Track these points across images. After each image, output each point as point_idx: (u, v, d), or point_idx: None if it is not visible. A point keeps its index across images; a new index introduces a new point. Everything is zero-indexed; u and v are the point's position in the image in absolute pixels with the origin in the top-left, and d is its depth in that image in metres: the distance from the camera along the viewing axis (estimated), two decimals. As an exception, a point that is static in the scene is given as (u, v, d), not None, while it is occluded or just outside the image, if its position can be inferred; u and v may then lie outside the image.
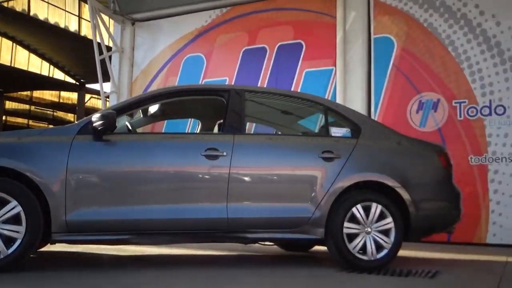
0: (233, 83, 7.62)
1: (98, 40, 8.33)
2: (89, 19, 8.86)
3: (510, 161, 6.08)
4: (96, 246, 5.05)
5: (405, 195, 4.16)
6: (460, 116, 6.40)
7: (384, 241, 4.04)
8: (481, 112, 6.30)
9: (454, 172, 4.57)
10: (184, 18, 8.43)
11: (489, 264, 4.77)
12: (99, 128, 3.76)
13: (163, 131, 6.93)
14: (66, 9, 20.91)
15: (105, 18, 8.77)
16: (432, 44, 6.68)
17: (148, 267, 4.25)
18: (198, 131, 5.39)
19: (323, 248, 4.34)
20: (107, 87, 8.85)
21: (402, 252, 4.25)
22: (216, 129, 5.07)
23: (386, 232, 4.07)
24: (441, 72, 6.58)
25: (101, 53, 8.41)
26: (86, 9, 17.22)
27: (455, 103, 6.45)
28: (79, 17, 20.82)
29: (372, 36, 7.05)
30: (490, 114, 6.25)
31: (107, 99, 9.23)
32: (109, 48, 8.99)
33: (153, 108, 4.88)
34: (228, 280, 3.66)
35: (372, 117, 6.72)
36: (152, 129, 6.49)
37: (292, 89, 7.23)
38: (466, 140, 6.31)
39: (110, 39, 9.04)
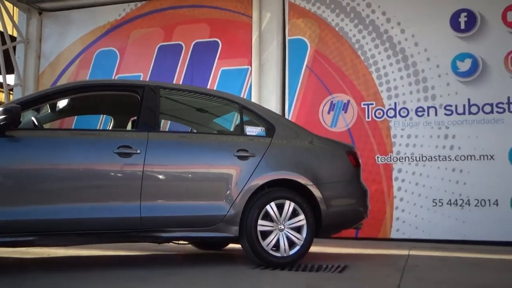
0: (147, 79, 7.46)
1: (1, 29, 7.81)
2: (-10, 6, 8.28)
3: (412, 160, 6.48)
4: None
5: (316, 193, 4.29)
6: (368, 117, 6.73)
7: (297, 238, 4.15)
8: (387, 114, 6.66)
9: (362, 171, 4.80)
10: (96, 10, 8.12)
11: (393, 257, 5.05)
12: (1, 123, 3.52)
13: (72, 127, 6.63)
14: (-35, -6, 19.36)
15: (9, 5, 8.23)
16: (343, 48, 6.96)
17: (57, 270, 4.05)
18: (110, 128, 5.22)
19: (237, 246, 4.37)
20: (10, 79, 8.32)
21: (313, 248, 4.38)
22: (129, 126, 4.93)
23: (298, 229, 4.18)
24: (351, 74, 6.88)
25: (4, 43, 7.90)
26: (-13, -5, 16.03)
27: (364, 104, 6.77)
28: (-20, 3, 19.38)
29: (287, 38, 7.22)
30: (395, 116, 6.63)
31: (11, 92, 8.69)
32: (13, 38, 8.46)
33: (62, 103, 4.66)
34: (141, 281, 3.58)
35: (286, 116, 6.87)
36: (61, 125, 6.19)
37: (208, 87, 7.22)
38: (373, 140, 6.66)
39: (14, 29, 8.50)
